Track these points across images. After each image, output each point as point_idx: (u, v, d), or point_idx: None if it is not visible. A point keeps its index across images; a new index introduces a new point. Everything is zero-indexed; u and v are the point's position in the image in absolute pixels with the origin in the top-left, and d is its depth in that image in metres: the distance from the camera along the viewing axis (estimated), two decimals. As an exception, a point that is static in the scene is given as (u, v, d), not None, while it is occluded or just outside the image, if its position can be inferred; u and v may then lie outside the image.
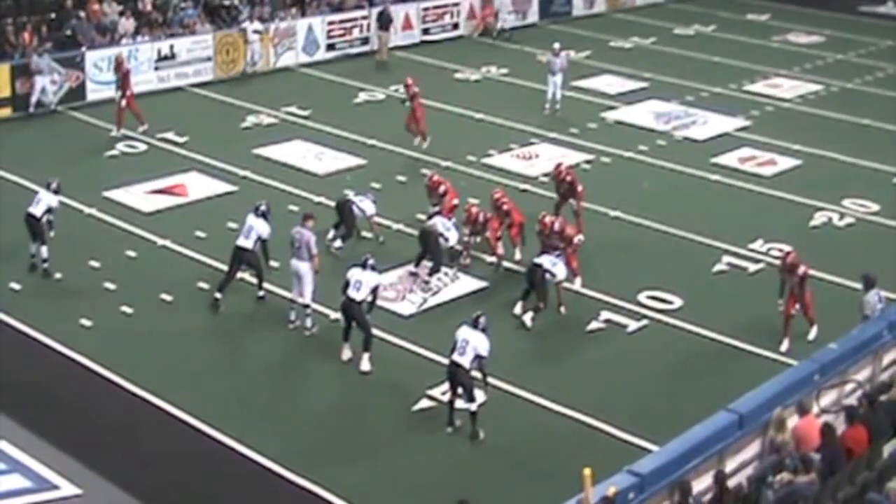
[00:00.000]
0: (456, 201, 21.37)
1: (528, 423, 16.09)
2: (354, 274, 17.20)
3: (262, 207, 19.09)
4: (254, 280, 19.04)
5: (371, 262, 17.34)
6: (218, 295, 18.75)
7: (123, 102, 26.89)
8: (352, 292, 17.03)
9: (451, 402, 15.74)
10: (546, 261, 18.87)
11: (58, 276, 19.49)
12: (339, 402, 16.55)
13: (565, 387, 16.80)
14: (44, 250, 19.44)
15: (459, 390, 15.58)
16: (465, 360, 15.48)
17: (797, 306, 18.15)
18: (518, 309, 18.85)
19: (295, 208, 22.04)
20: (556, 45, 29.72)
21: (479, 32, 38.30)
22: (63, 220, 21.94)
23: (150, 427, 15.60)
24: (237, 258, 18.74)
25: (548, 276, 18.79)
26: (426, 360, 17.21)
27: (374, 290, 17.25)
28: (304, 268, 18.02)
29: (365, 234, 21.39)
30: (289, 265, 18.31)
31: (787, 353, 17.75)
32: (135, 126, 26.97)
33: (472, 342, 15.55)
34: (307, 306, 18.05)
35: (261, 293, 18.96)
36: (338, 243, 20.80)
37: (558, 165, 22.64)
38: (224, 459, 14.91)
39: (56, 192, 19.79)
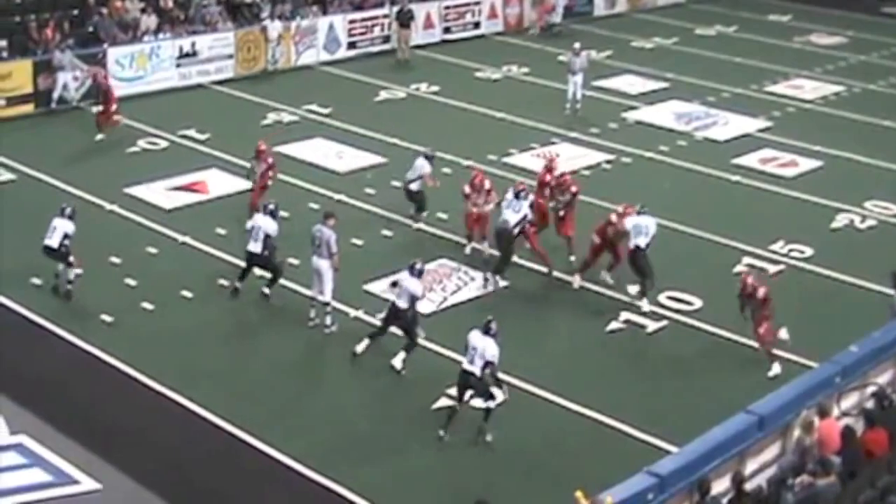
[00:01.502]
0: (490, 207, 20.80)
1: (547, 423, 16.07)
2: (404, 279, 17.20)
3: (271, 206, 19.03)
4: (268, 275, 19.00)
5: (419, 267, 17.28)
6: (238, 284, 18.83)
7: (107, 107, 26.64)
8: (399, 302, 17.08)
9: (452, 408, 15.64)
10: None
11: (78, 271, 19.49)
12: (357, 400, 16.55)
13: (585, 387, 16.77)
14: (71, 273, 18.84)
15: (468, 395, 15.55)
16: (475, 369, 15.39)
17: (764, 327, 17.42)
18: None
19: (315, 206, 22.08)
20: (577, 45, 29.70)
21: (538, 28, 38.60)
22: (84, 216, 22.04)
23: (169, 423, 15.64)
24: (249, 262, 18.80)
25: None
26: (445, 359, 17.18)
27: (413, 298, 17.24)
28: (323, 266, 18.04)
29: (385, 232, 21.44)
30: (309, 263, 18.34)
31: (777, 377, 17.05)
32: (100, 130, 26.55)
33: (481, 349, 15.39)
34: (327, 304, 18.07)
35: (266, 290, 18.82)
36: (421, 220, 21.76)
37: (563, 174, 21.54)
38: (243, 456, 14.93)
39: (71, 217, 18.96)
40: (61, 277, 18.82)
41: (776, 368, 17.19)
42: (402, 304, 17.07)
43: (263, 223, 18.72)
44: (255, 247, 18.65)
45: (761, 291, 17.24)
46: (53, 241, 18.69)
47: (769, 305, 17.26)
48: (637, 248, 19.00)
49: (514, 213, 19.66)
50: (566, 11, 39.77)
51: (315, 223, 18.55)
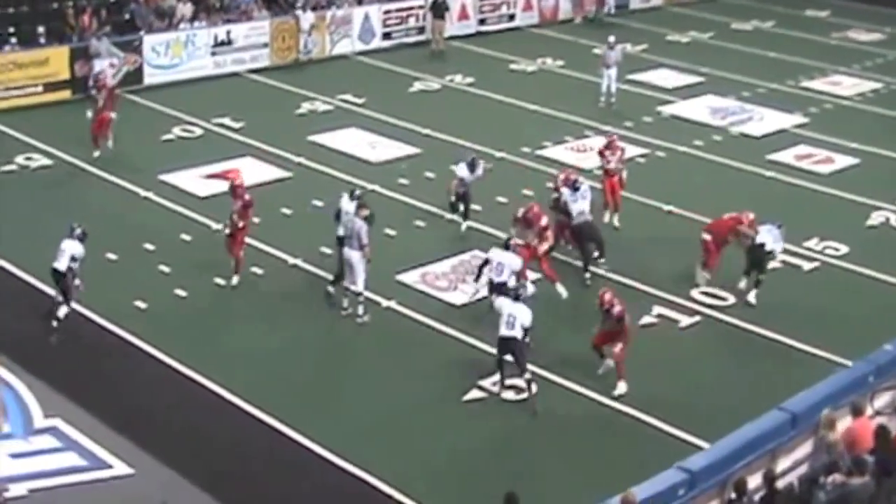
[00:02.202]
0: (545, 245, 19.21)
1: (578, 416, 16.05)
2: (496, 256, 17.80)
3: (357, 192, 19.13)
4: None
5: (513, 244, 17.87)
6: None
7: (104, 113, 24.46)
8: (494, 276, 17.66)
9: (500, 366, 16.22)
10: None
11: (113, 257, 19.62)
12: (389, 391, 16.54)
13: (616, 381, 16.69)
14: (63, 310, 17.31)
15: (509, 358, 16.12)
16: (516, 333, 15.95)
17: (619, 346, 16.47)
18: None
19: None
20: (612, 38, 29.61)
21: (581, 17, 38.97)
22: (120, 202, 22.31)
23: (202, 410, 15.70)
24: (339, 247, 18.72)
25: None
26: (477, 351, 17.19)
27: (517, 274, 17.71)
28: (354, 256, 18.02)
29: (418, 222, 21.44)
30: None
31: (622, 397, 16.35)
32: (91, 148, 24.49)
33: (518, 315, 16.00)
34: (359, 294, 18.08)
35: (330, 288, 18.66)
36: (464, 226, 21.28)
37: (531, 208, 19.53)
38: (274, 443, 14.99)
39: (81, 238, 17.57)
40: (56, 307, 17.41)
41: (622, 387, 16.37)
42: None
43: (352, 210, 18.66)
44: (341, 229, 18.57)
45: (616, 309, 16.46)
46: (61, 264, 17.34)
47: (626, 326, 16.45)
48: (763, 245, 19.08)
49: (584, 199, 19.81)
50: (601, 4, 39.72)
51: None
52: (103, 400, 15.55)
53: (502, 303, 16.46)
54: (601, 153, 22.19)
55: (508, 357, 16.11)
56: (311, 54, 32.68)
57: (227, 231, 19.14)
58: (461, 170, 21.27)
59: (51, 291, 17.79)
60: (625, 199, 22.13)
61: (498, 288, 17.47)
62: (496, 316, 16.44)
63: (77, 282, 17.48)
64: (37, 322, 17.15)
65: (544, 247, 18.89)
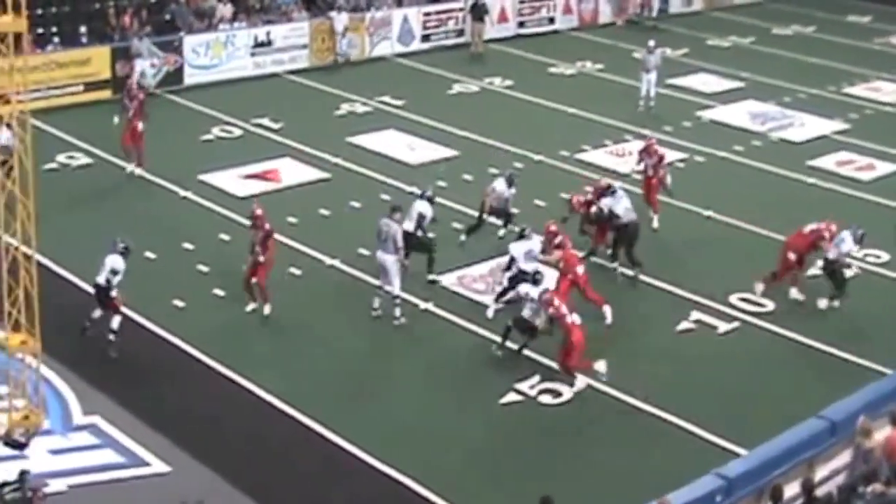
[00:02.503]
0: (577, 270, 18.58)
1: (614, 422, 15.99)
2: (520, 247, 18.49)
3: (428, 193, 19.58)
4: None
5: (528, 230, 18.62)
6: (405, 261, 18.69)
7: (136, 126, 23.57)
8: (527, 267, 18.18)
9: (507, 333, 17.10)
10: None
11: (152, 256, 19.73)
12: (425, 393, 16.57)
13: (653, 386, 16.61)
14: (97, 312, 17.16)
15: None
16: (540, 321, 16.79)
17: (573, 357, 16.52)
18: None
19: (387, 197, 22.11)
20: (651, 43, 29.53)
21: (624, 20, 39.16)
22: (159, 201, 22.42)
23: (239, 409, 15.76)
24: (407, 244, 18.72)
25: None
26: (514, 353, 17.15)
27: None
28: (389, 260, 18.02)
29: (456, 224, 21.44)
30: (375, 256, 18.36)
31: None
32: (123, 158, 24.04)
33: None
34: (396, 297, 18.07)
35: (430, 277, 19.04)
36: (502, 231, 21.05)
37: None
38: (309, 443, 15.03)
39: (123, 253, 17.02)
40: (102, 325, 17.06)
41: (601, 366, 16.53)
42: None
43: (421, 207, 19.18)
44: (409, 225, 18.87)
45: (550, 310, 16.57)
46: (101, 277, 17.01)
47: (567, 328, 16.46)
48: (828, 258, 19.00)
49: (623, 198, 20.00)
50: (643, 8, 39.64)
51: (383, 216, 18.54)
52: (141, 398, 15.67)
53: (527, 288, 17.00)
54: (640, 154, 22.53)
55: (516, 347, 17.00)
56: (348, 56, 32.72)
57: (258, 258, 18.12)
58: (500, 184, 21.01)
59: (91, 290, 17.94)
60: (663, 204, 22.06)
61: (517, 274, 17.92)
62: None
63: (114, 293, 17.04)
64: (76, 320, 17.24)
65: (581, 271, 18.35)
